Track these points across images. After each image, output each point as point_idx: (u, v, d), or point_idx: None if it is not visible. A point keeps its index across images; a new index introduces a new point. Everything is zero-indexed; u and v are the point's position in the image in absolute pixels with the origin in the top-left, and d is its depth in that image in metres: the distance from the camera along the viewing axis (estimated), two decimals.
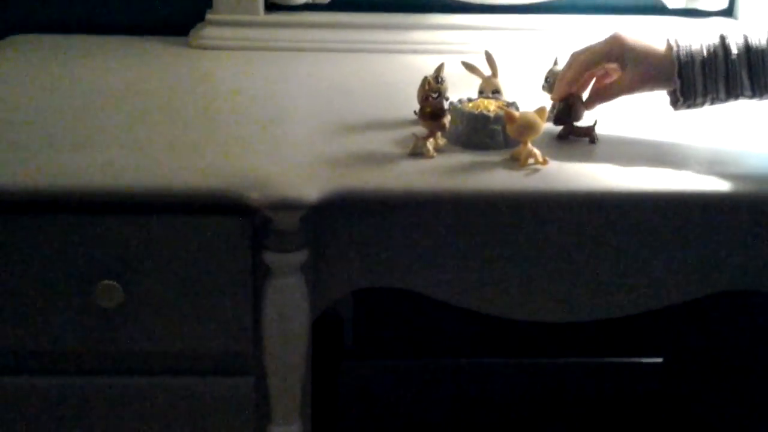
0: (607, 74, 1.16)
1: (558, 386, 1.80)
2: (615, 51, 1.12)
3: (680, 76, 1.09)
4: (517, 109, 1.12)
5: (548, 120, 1.09)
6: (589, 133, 1.13)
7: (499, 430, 1.78)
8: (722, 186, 1.04)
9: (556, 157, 1.08)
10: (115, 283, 1.03)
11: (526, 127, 1.06)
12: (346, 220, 1.08)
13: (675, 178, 1.05)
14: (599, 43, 1.13)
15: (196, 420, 1.10)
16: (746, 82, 1.09)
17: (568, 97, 1.13)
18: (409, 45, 1.49)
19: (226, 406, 1.10)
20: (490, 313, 1.14)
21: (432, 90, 1.11)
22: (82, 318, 1.05)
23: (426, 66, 1.22)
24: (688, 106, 1.12)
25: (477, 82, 1.21)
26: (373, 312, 1.74)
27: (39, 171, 1.03)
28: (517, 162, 1.07)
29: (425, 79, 1.12)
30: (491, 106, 1.12)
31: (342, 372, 1.74)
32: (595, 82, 1.16)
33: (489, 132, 1.10)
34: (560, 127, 1.14)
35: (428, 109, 1.08)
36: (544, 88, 1.18)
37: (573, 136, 1.13)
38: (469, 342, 1.79)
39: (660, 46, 1.11)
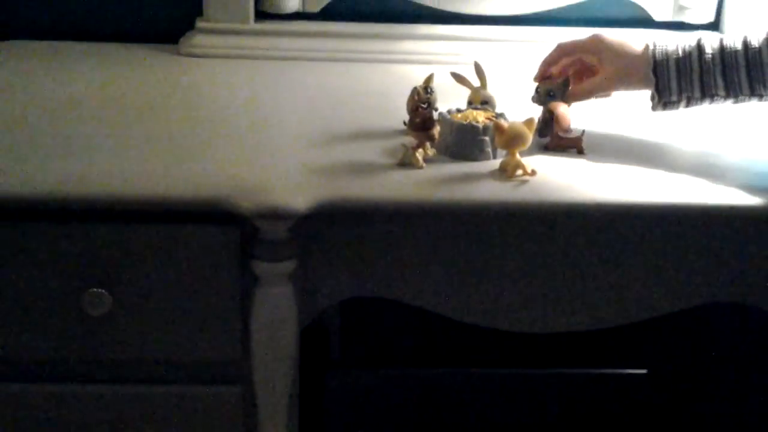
0: (585, 72, 1.19)
1: (543, 397, 1.81)
2: (594, 46, 1.16)
3: (655, 73, 1.12)
4: (505, 120, 1.12)
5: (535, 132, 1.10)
6: (576, 143, 1.14)
7: None
8: (709, 198, 1.04)
9: (544, 169, 1.08)
10: (103, 291, 1.03)
11: (515, 138, 1.06)
12: (335, 229, 1.08)
13: (662, 189, 1.06)
14: (582, 38, 1.18)
15: (183, 429, 1.10)
16: (720, 81, 1.11)
17: (551, 107, 1.14)
18: (398, 55, 1.49)
19: (214, 415, 1.10)
20: (476, 323, 1.14)
21: (421, 100, 1.11)
22: (69, 326, 1.05)
23: (415, 76, 1.23)
24: (665, 105, 1.14)
25: (466, 92, 1.21)
26: (359, 322, 1.74)
27: (27, 178, 1.02)
28: (505, 173, 1.07)
29: (415, 89, 1.13)
30: (480, 117, 1.13)
31: (328, 382, 1.74)
32: (575, 80, 1.19)
33: (478, 143, 1.10)
34: (547, 139, 1.15)
35: (417, 120, 1.08)
36: (533, 99, 1.18)
37: (561, 148, 1.14)
38: (455, 353, 1.79)
39: (638, 47, 1.14)
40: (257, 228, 1.02)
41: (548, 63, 1.19)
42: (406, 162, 1.08)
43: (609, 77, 1.15)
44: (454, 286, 1.11)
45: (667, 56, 1.12)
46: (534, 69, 1.20)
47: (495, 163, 1.10)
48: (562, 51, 1.19)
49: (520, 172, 1.07)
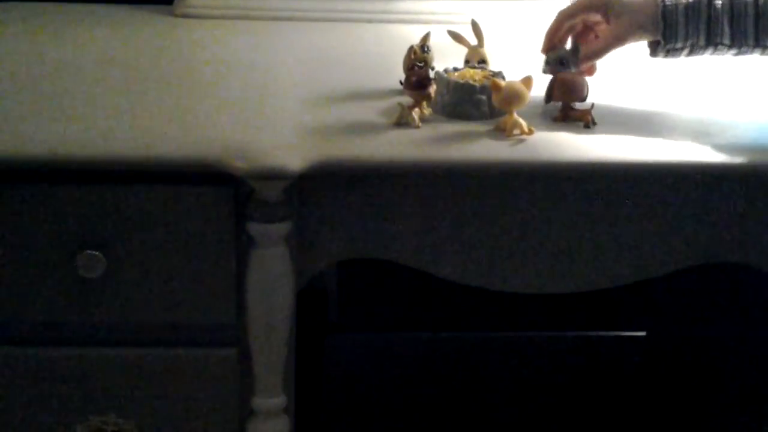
0: (592, 33, 1.16)
1: (542, 360, 1.81)
2: (597, 2, 1.12)
3: (664, 18, 1.09)
4: (503, 78, 1.11)
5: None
6: (584, 117, 1.10)
7: (483, 402, 1.79)
8: (710, 157, 1.04)
9: (543, 129, 1.07)
10: (97, 253, 1.03)
11: (512, 96, 1.05)
12: (331, 190, 1.07)
13: (661, 148, 1.05)
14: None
15: (179, 391, 1.10)
16: (726, 29, 1.09)
17: (568, 76, 1.11)
18: (395, 15, 1.48)
19: (210, 378, 1.09)
20: (474, 284, 1.13)
21: (418, 59, 1.10)
22: (64, 288, 1.05)
23: (412, 36, 1.21)
24: (668, 52, 1.12)
25: (463, 51, 1.20)
26: (357, 286, 1.74)
27: (20, 140, 1.02)
28: (502, 132, 1.06)
29: (411, 48, 1.11)
30: (477, 76, 1.12)
31: (327, 346, 1.74)
32: (582, 42, 1.15)
33: (475, 102, 1.09)
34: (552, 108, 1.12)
35: (413, 79, 1.08)
36: (544, 70, 1.15)
37: (569, 120, 1.11)
38: (454, 316, 1.79)
39: None
40: (252, 189, 1.02)
41: (552, 31, 1.15)
42: (402, 121, 1.07)
43: (619, 30, 1.11)
44: (451, 246, 1.10)
45: (676, 1, 1.09)
46: (532, 28, 1.19)
47: (492, 123, 1.08)
48: (564, 16, 1.15)
49: (517, 131, 1.06)
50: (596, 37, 1.16)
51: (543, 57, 1.14)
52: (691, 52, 1.12)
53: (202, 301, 1.06)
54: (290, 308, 1.08)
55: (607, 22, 1.12)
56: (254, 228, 1.03)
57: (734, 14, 1.09)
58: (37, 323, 1.07)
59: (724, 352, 1.51)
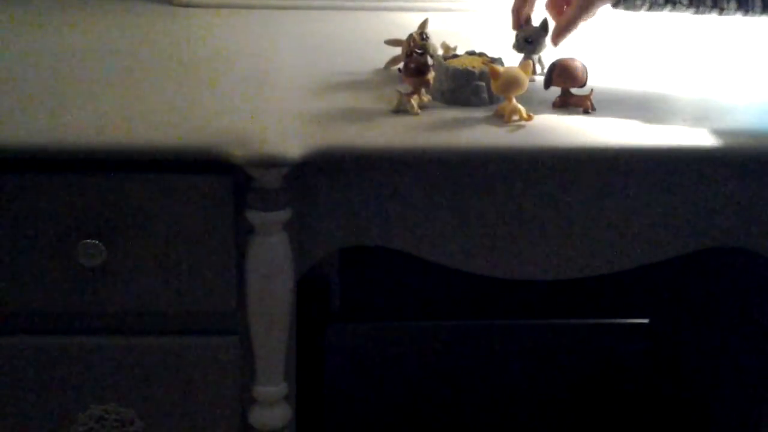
0: (560, 3, 1.17)
1: (545, 347, 1.81)
2: None
3: None
4: (501, 65, 1.11)
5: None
6: (583, 103, 1.09)
7: (485, 391, 1.79)
8: (710, 142, 1.03)
9: (542, 115, 1.07)
10: (97, 242, 1.03)
11: (511, 83, 1.05)
12: (330, 177, 1.07)
13: (660, 133, 1.04)
14: None
15: (180, 380, 1.10)
16: None
17: (565, 61, 1.10)
18: (394, 2, 1.48)
19: (210, 366, 1.10)
20: (476, 272, 1.13)
21: (416, 46, 1.10)
22: (64, 277, 1.04)
23: (412, 24, 1.21)
24: (627, 8, 1.13)
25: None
26: (359, 274, 1.74)
27: (19, 129, 1.01)
28: (501, 118, 1.06)
29: (411, 35, 1.11)
30: (476, 62, 1.11)
31: (328, 335, 1.74)
32: (559, 13, 1.16)
33: (473, 88, 1.09)
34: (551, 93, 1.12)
35: (412, 65, 1.07)
36: (514, 47, 1.16)
37: (568, 106, 1.11)
38: (456, 304, 1.78)
39: None
40: (251, 177, 1.01)
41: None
42: (401, 108, 1.07)
43: None
44: (452, 233, 1.10)
45: None
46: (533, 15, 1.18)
47: (491, 109, 1.08)
48: None
49: (516, 117, 1.05)
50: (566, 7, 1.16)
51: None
52: (650, 8, 1.13)
53: (202, 290, 1.06)
54: (291, 296, 1.07)
55: None
56: (254, 216, 1.03)
57: None
58: (37, 312, 1.07)
59: (729, 340, 1.51)
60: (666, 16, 1.15)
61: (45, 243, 1.03)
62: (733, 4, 1.10)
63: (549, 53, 1.15)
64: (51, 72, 1.19)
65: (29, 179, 1.02)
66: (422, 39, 1.12)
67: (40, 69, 1.20)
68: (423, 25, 1.14)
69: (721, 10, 1.11)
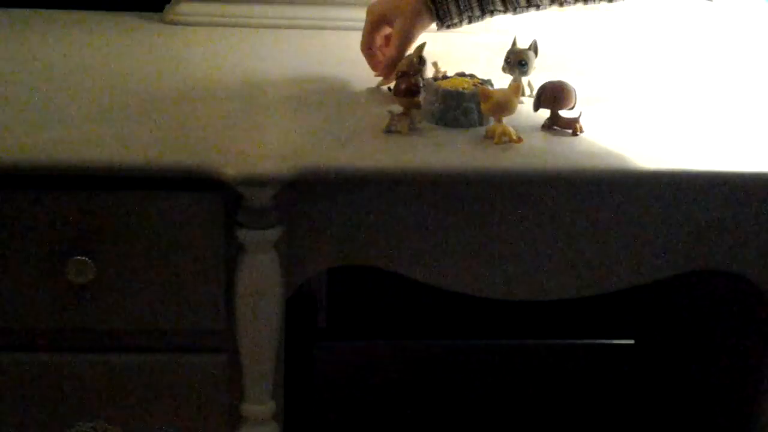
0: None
1: (530, 367, 1.81)
2: (377, 17, 1.21)
3: (434, 2, 1.17)
4: (491, 86, 1.11)
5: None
6: (572, 125, 1.10)
7: (472, 410, 1.79)
8: (697, 165, 1.04)
9: (531, 137, 1.08)
10: (86, 259, 1.03)
11: (501, 104, 1.06)
12: (320, 197, 1.07)
13: (649, 156, 1.05)
14: (365, 24, 1.23)
15: (168, 398, 1.10)
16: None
17: (559, 84, 1.11)
18: None
19: (199, 384, 1.09)
20: (462, 291, 1.14)
21: (413, 70, 1.11)
22: (53, 294, 1.04)
23: None
24: (448, 27, 1.19)
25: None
26: (347, 293, 1.74)
27: (11, 146, 1.01)
28: (491, 139, 1.06)
29: (409, 57, 1.13)
30: (466, 84, 1.12)
31: (316, 353, 1.74)
32: (385, 48, 1.23)
33: (463, 109, 1.10)
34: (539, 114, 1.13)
35: (403, 86, 1.08)
36: (504, 69, 1.17)
37: (557, 127, 1.11)
38: (443, 323, 1.79)
39: None
40: (241, 195, 1.02)
41: (372, 62, 1.24)
42: (391, 129, 1.08)
43: (401, 28, 1.18)
44: (440, 253, 1.11)
45: None
46: (523, 37, 1.19)
47: (481, 130, 1.09)
48: (365, 47, 1.24)
49: (506, 138, 1.06)
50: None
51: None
52: (471, 21, 1.19)
53: (191, 308, 1.06)
54: (279, 315, 1.08)
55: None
56: (243, 234, 1.03)
57: None
58: (26, 329, 1.07)
59: (713, 360, 1.51)
60: (645, 34, 1.16)
61: (34, 260, 1.03)
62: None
63: (538, 76, 1.15)
64: (40, 89, 1.19)
65: (19, 196, 1.02)
66: (419, 64, 1.14)
67: (28, 86, 1.20)
68: (420, 49, 1.16)
69: (537, 7, 1.17)
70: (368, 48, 1.24)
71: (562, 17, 1.47)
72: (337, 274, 1.66)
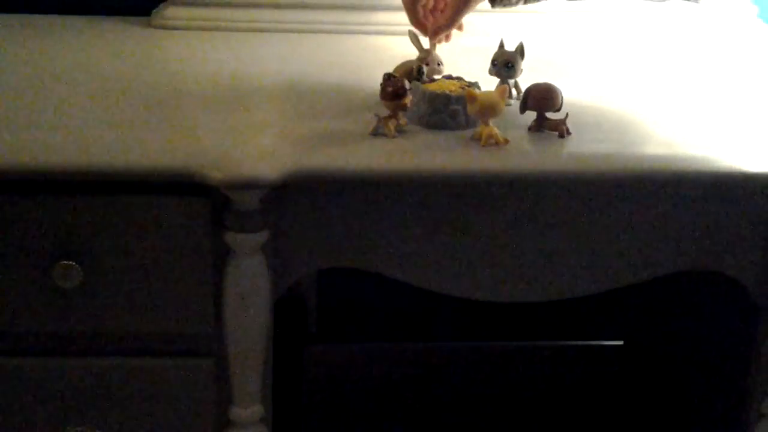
0: (442, 2, 1.21)
1: (520, 369, 1.81)
2: None
3: None
4: (478, 89, 1.12)
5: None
6: (558, 127, 1.10)
7: (462, 413, 1.79)
8: (683, 166, 1.05)
9: (518, 139, 1.08)
10: (73, 263, 1.03)
11: (487, 107, 1.06)
12: (308, 200, 1.07)
13: (634, 157, 1.06)
14: None
15: (156, 401, 1.10)
16: None
17: (543, 86, 1.11)
18: (373, 26, 1.48)
19: (187, 388, 1.10)
20: (452, 293, 1.14)
21: (411, 78, 1.12)
22: (40, 298, 1.04)
23: (390, 47, 1.22)
24: (504, 5, 1.18)
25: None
26: (337, 296, 1.74)
27: None
28: (477, 142, 1.07)
29: (409, 65, 1.14)
30: (452, 86, 1.12)
31: (305, 356, 1.74)
32: (434, 12, 1.21)
33: (450, 112, 1.10)
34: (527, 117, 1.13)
35: (389, 89, 1.08)
36: (490, 71, 1.17)
37: (544, 129, 1.11)
38: (433, 326, 1.79)
39: None
40: (229, 198, 1.02)
41: (414, 18, 1.21)
42: (378, 132, 1.08)
43: None
44: (428, 256, 1.11)
45: None
46: (516, 40, 1.19)
47: (468, 133, 1.09)
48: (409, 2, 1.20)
49: (492, 140, 1.06)
50: (445, 5, 1.20)
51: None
52: (526, 2, 1.18)
53: (179, 311, 1.06)
54: (268, 318, 1.08)
55: None
56: (231, 237, 1.03)
57: None
58: (13, 333, 1.07)
59: (702, 362, 1.52)
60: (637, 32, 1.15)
61: (21, 264, 1.03)
62: None
63: (525, 78, 1.16)
64: (26, 93, 1.18)
65: (5, 200, 1.01)
66: (419, 73, 1.14)
67: (15, 90, 1.19)
68: (421, 60, 1.16)
69: None
70: (412, 3, 1.21)
71: (548, 20, 1.47)
72: (327, 278, 1.66)
